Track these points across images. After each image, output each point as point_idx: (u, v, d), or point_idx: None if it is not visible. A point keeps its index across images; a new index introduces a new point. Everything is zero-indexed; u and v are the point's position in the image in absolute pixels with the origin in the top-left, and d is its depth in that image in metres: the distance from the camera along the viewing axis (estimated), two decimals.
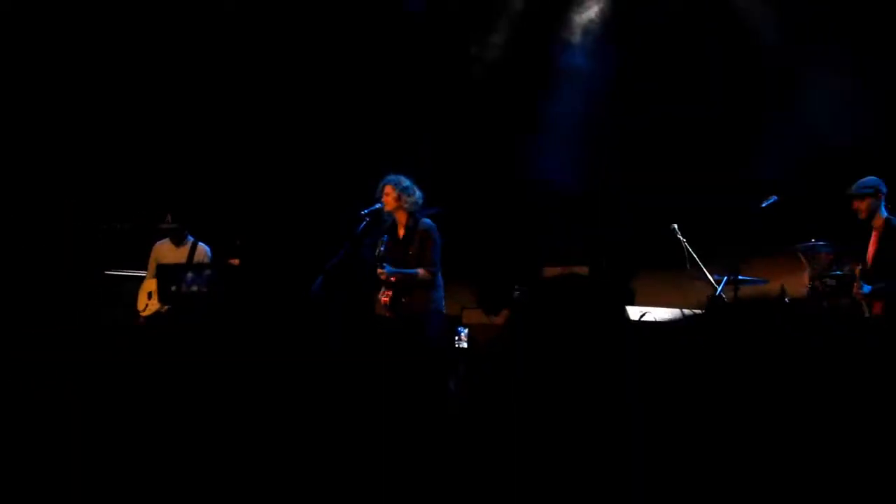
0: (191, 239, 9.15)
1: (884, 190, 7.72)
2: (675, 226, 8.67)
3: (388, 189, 7.53)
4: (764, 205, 8.20)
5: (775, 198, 8.21)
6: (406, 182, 7.55)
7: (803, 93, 10.15)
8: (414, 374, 3.94)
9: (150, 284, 8.97)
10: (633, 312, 8.62)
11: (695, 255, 8.59)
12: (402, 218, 7.60)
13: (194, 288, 8.08)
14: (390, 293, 7.39)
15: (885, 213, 7.72)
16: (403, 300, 7.41)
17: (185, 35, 10.78)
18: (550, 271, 9.32)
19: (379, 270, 7.33)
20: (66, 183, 10.59)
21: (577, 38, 11.14)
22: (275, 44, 10.91)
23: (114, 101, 10.81)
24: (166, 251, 9.13)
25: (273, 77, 10.97)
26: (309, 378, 3.69)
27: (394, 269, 7.34)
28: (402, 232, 7.61)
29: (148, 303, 9.03)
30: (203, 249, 9.10)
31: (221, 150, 10.96)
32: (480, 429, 3.20)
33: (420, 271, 7.43)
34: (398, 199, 7.51)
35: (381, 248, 7.45)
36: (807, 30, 10.13)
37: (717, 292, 8.28)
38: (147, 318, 8.98)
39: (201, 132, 10.96)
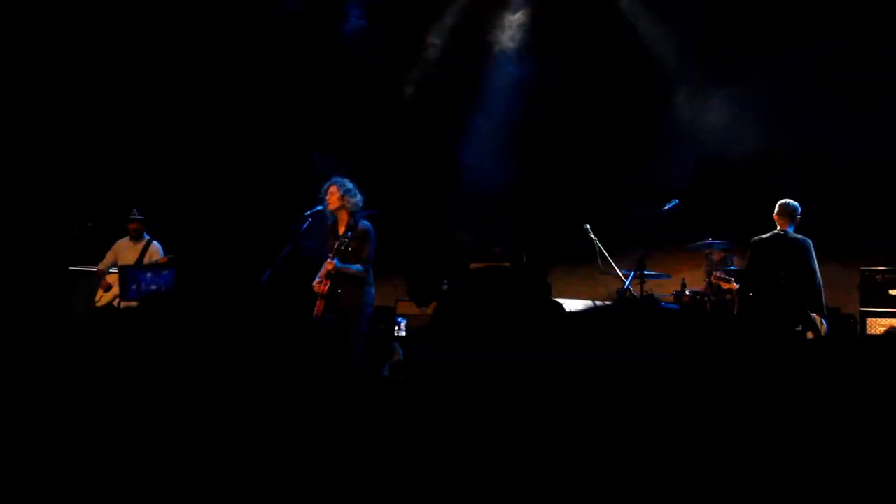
0: (146, 237, 9.64)
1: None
2: (588, 226, 9.30)
3: (332, 189, 7.94)
4: (666, 207, 8.91)
5: (676, 201, 8.92)
6: (349, 185, 7.97)
7: (701, 103, 10.93)
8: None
9: (107, 278, 9.49)
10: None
11: (605, 253, 9.23)
12: (343, 217, 7.98)
13: (153, 287, 8.63)
14: (328, 283, 7.84)
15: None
16: (339, 291, 7.84)
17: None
18: (476, 266, 9.92)
19: (328, 263, 7.77)
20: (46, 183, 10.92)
21: (502, 45, 11.72)
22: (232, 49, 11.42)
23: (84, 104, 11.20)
24: (125, 247, 9.62)
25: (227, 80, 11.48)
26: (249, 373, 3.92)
27: (341, 263, 7.89)
28: (342, 230, 8.00)
29: (103, 294, 9.52)
30: (156, 247, 9.59)
31: (180, 152, 11.41)
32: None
33: (359, 266, 7.89)
34: (342, 199, 7.90)
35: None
36: (702, 43, 10.85)
37: (625, 286, 9.02)
38: (100, 307, 9.46)
39: (161, 135, 11.39)
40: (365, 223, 7.99)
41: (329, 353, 4.12)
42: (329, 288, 7.75)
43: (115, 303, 9.32)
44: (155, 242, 9.60)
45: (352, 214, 7.94)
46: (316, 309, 7.84)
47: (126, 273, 8.89)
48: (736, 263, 9.55)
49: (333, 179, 7.99)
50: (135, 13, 11.10)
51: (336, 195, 7.90)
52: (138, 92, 11.26)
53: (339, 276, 7.78)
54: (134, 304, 9.13)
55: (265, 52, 11.45)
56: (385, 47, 11.74)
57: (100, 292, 9.54)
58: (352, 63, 11.58)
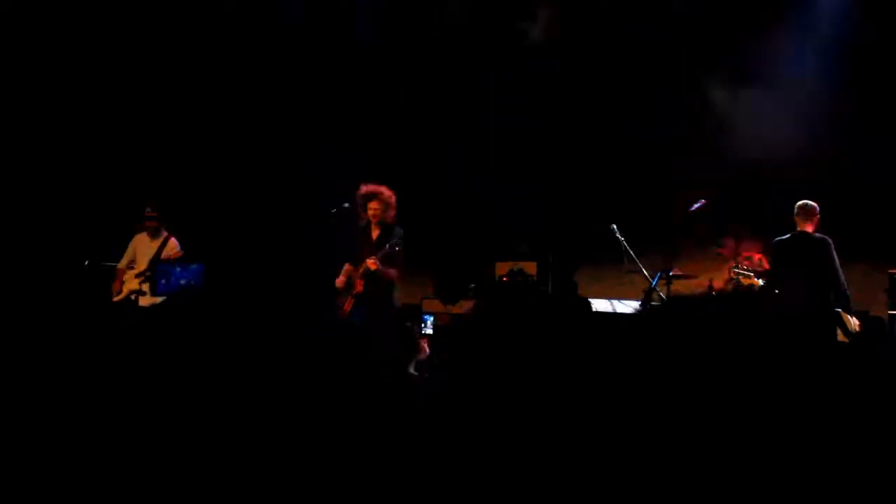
0: (164, 233, 9.65)
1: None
2: (615, 226, 9.21)
3: (375, 204, 8.32)
4: (693, 207, 8.91)
5: (703, 201, 8.91)
6: (390, 198, 8.37)
7: (732, 103, 10.86)
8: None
9: (125, 272, 9.55)
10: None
11: (632, 253, 9.14)
12: (375, 223, 8.39)
13: (182, 281, 8.69)
14: (362, 283, 8.14)
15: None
16: (371, 290, 8.17)
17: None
18: (501, 267, 9.96)
19: (370, 262, 8.05)
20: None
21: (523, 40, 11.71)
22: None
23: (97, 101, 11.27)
24: (142, 243, 9.63)
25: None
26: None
27: (382, 266, 8.11)
28: (375, 235, 8.38)
29: (121, 288, 9.56)
30: (174, 242, 9.59)
31: (194, 148, 11.50)
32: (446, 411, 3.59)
33: (393, 270, 8.24)
34: (385, 212, 8.33)
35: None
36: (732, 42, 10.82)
37: (652, 285, 8.98)
38: (118, 301, 9.51)
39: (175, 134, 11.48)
40: (400, 230, 8.37)
41: (364, 354, 4.16)
42: (364, 287, 8.09)
43: (133, 297, 9.39)
44: (172, 238, 9.62)
45: (388, 223, 8.35)
46: (345, 307, 8.00)
47: (156, 268, 8.96)
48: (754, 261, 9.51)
49: (374, 193, 8.36)
50: (137, 13, 11.23)
51: (380, 209, 8.30)
52: (149, 91, 11.41)
53: (376, 278, 8.12)
54: (157, 300, 9.23)
55: (278, 50, 11.60)
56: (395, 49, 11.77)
57: (116, 286, 9.58)
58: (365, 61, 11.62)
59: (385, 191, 8.39)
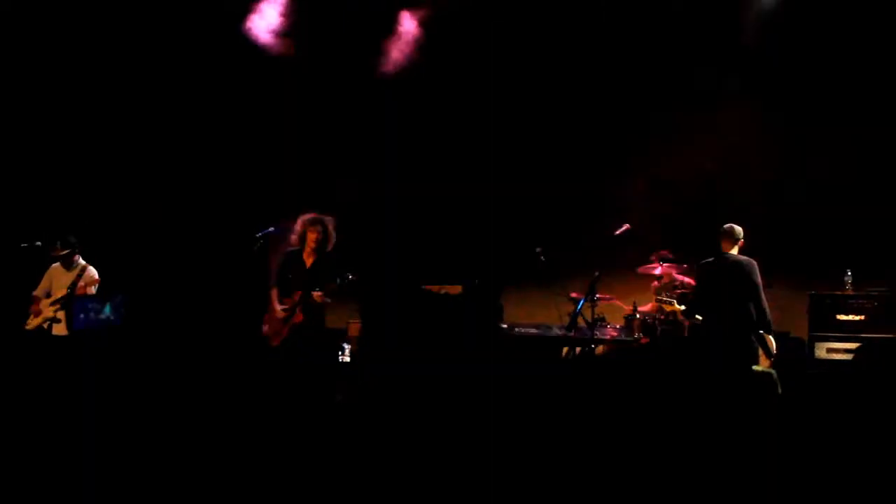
0: (81, 262, 9.44)
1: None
2: (539, 249, 9.32)
3: (315, 231, 8.21)
4: (617, 232, 8.96)
5: (627, 226, 8.98)
6: (329, 227, 8.26)
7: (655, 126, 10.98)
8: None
9: (40, 303, 9.32)
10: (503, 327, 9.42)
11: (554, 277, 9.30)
12: (310, 251, 8.29)
13: (103, 316, 8.52)
14: (302, 315, 8.08)
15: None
16: (309, 318, 8.10)
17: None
18: (429, 289, 9.88)
19: (317, 295, 8.01)
20: None
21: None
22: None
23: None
24: (59, 273, 9.44)
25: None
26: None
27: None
28: (310, 262, 8.29)
29: (33, 319, 9.34)
30: (91, 273, 9.40)
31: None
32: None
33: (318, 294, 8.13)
34: (325, 241, 8.24)
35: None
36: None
37: (577, 309, 9.02)
38: (30, 331, 9.28)
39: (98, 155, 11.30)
40: (333, 256, 8.29)
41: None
42: (304, 318, 8.06)
43: (45, 326, 9.21)
44: (89, 267, 9.41)
45: (327, 252, 8.27)
46: (281, 334, 8.07)
47: (75, 302, 8.80)
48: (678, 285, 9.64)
49: (319, 220, 8.26)
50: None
51: (322, 238, 8.20)
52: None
53: (317, 308, 8.11)
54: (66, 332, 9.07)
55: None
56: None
57: (31, 317, 9.34)
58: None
59: (330, 220, 8.29)
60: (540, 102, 11.31)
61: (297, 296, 8.12)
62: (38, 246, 9.28)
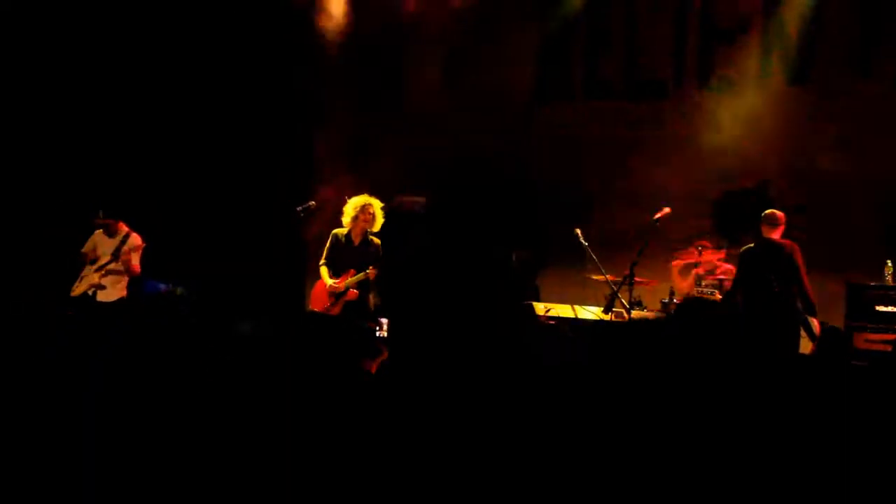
0: (125, 229, 9.45)
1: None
2: (578, 230, 9.25)
3: (373, 209, 8.77)
4: (656, 216, 8.88)
5: (667, 210, 8.90)
6: (377, 210, 8.80)
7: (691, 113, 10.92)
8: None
9: (85, 269, 9.34)
10: (539, 308, 9.38)
11: (594, 258, 9.13)
12: (359, 232, 8.83)
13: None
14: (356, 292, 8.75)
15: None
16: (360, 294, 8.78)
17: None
18: None
19: (371, 271, 8.66)
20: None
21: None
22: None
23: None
24: (102, 239, 9.44)
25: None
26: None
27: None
28: (357, 242, 8.86)
29: (78, 285, 9.36)
30: (134, 239, 9.41)
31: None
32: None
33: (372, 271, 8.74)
34: (373, 223, 8.79)
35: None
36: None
37: (614, 293, 8.94)
38: (75, 297, 9.32)
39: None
40: (376, 236, 8.91)
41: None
42: (359, 295, 8.73)
43: (90, 292, 9.23)
44: (133, 233, 9.43)
45: (373, 233, 8.89)
46: (333, 310, 8.65)
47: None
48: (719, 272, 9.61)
49: (364, 203, 8.79)
50: None
51: (370, 219, 8.78)
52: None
53: (368, 285, 8.82)
54: (117, 295, 9.15)
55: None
56: None
57: (76, 283, 9.36)
58: None
59: (377, 202, 8.79)
60: None
61: (350, 273, 8.69)
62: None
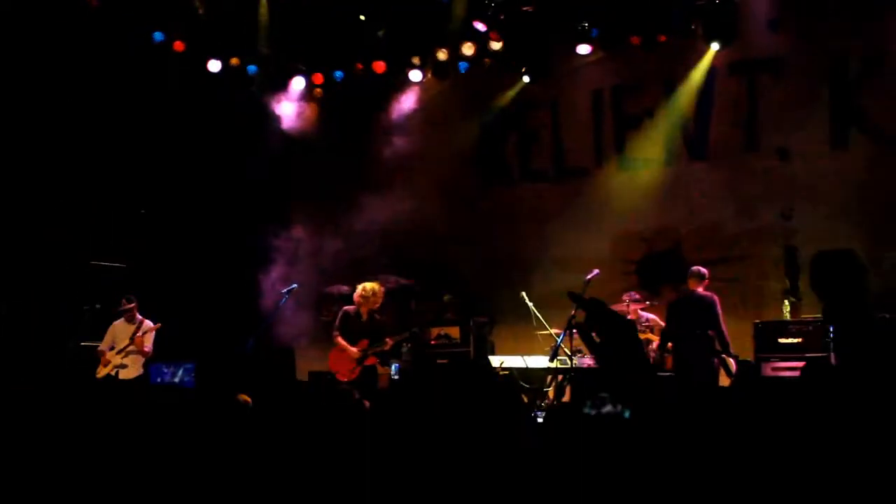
0: (139, 316, 10.66)
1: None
2: (524, 293, 10.70)
3: (380, 291, 10.28)
4: (588, 277, 10.10)
5: (597, 271, 10.18)
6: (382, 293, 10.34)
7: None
8: None
9: (108, 354, 10.51)
10: (494, 361, 10.58)
11: (539, 315, 10.62)
12: (367, 310, 10.27)
13: (176, 380, 10.20)
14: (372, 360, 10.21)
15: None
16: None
17: None
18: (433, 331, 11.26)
19: (387, 344, 10.18)
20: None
21: None
22: None
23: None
24: (121, 326, 10.64)
25: None
26: None
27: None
28: (365, 317, 10.28)
29: (101, 368, 10.51)
30: (148, 323, 10.63)
31: None
32: None
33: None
34: (379, 302, 10.26)
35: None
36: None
37: (558, 343, 10.18)
38: (100, 378, 10.44)
39: None
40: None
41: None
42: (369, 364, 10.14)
43: (114, 372, 10.37)
44: (146, 320, 10.62)
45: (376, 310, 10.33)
46: (348, 375, 10.01)
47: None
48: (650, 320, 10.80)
49: (375, 287, 10.26)
50: None
51: (379, 300, 10.25)
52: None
53: (382, 354, 10.33)
54: (134, 374, 10.29)
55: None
56: None
57: (100, 367, 10.50)
58: None
59: (381, 289, 10.33)
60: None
61: (363, 344, 10.10)
62: (98, 308, 10.50)
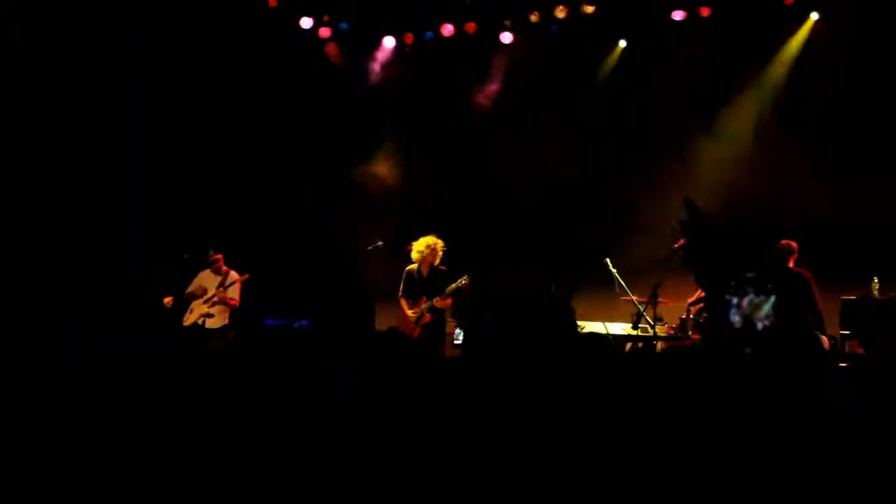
0: (224, 267, 10.75)
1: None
2: (608, 259, 10.44)
3: (438, 248, 10.04)
4: (675, 245, 10.01)
5: (682, 240, 9.99)
6: (440, 247, 10.09)
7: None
8: None
9: (194, 303, 10.59)
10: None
11: (622, 282, 10.40)
12: (427, 265, 10.10)
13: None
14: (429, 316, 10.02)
15: None
16: (434, 317, 10.06)
17: None
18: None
19: (447, 300, 9.97)
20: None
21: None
22: None
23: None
24: (207, 276, 10.72)
25: None
26: None
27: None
28: (426, 273, 10.12)
29: (189, 316, 10.60)
30: (234, 274, 10.70)
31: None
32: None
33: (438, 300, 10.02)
34: (436, 256, 10.05)
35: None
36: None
37: (641, 311, 10.10)
38: (188, 326, 10.55)
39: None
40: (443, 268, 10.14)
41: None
42: (432, 318, 9.98)
43: (200, 321, 10.44)
44: (232, 271, 10.68)
45: (437, 265, 10.11)
46: (414, 333, 9.79)
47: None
48: None
49: (431, 243, 10.05)
50: None
51: (438, 257, 10.03)
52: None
53: (440, 310, 10.08)
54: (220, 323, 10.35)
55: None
56: None
57: (187, 314, 10.60)
58: None
59: (440, 242, 10.09)
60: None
61: (422, 301, 9.96)
62: (187, 258, 10.58)
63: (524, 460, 3.46)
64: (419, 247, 10.09)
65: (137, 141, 11.85)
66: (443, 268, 10.10)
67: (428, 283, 10.07)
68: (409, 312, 10.04)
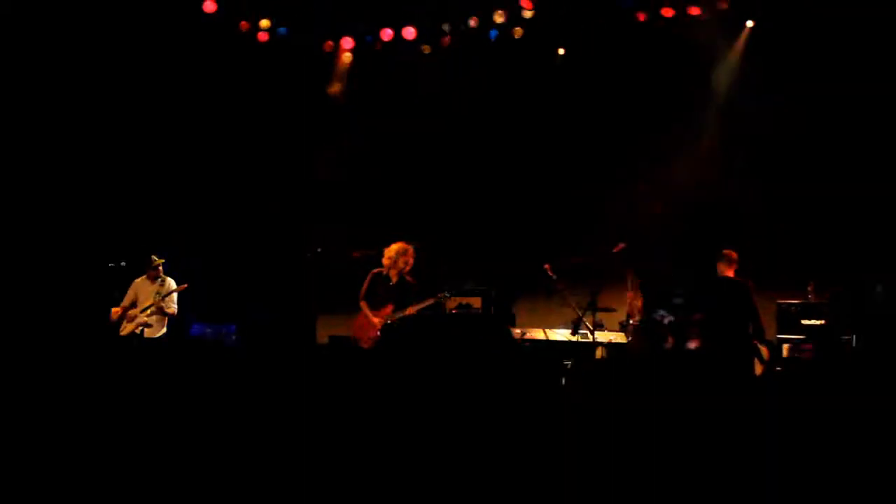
0: (162, 274, 10.48)
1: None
2: (547, 265, 10.24)
3: (411, 253, 9.69)
4: (614, 250, 9.95)
5: (623, 244, 9.98)
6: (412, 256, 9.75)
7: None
8: None
9: (131, 312, 10.35)
10: (515, 332, 10.37)
11: (562, 289, 10.24)
12: (396, 272, 9.73)
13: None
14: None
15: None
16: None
17: None
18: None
19: (411, 309, 9.51)
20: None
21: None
22: None
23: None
24: (144, 285, 10.46)
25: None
26: None
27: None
28: (395, 280, 9.75)
29: (126, 325, 10.35)
30: (171, 283, 10.44)
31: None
32: None
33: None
34: (411, 262, 9.72)
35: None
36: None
37: (580, 317, 10.02)
38: (123, 336, 10.28)
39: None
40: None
41: None
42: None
43: (138, 331, 10.19)
44: (169, 279, 10.43)
45: (406, 273, 9.78)
46: (368, 342, 9.51)
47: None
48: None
49: (404, 250, 9.72)
50: None
51: (409, 262, 9.69)
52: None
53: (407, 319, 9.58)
54: (158, 333, 10.13)
55: None
56: None
57: (124, 324, 10.33)
58: None
59: (410, 248, 9.75)
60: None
61: (388, 308, 9.62)
62: (123, 266, 10.32)
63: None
64: (390, 252, 9.74)
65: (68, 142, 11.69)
66: (412, 280, 9.77)
67: (394, 291, 9.73)
68: (375, 319, 9.66)
